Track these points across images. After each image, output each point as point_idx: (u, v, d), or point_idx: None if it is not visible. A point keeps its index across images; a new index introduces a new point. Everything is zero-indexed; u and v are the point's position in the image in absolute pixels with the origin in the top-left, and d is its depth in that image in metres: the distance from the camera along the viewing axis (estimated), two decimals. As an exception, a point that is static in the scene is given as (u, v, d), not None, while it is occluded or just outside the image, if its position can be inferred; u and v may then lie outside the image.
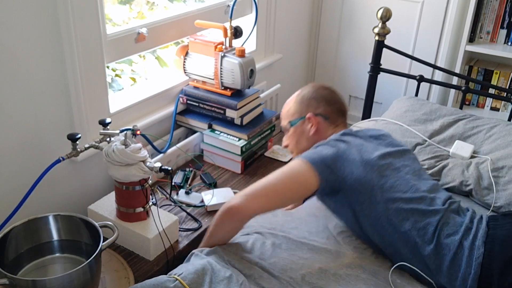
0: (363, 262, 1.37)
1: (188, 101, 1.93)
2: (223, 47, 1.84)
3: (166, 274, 1.37)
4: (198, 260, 1.29)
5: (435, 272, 1.27)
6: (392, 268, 1.33)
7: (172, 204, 1.65)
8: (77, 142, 1.36)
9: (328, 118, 1.55)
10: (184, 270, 1.24)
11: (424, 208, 1.30)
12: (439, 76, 2.54)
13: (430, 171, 1.72)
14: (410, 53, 2.46)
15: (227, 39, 1.85)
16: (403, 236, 1.29)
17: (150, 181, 1.44)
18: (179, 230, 1.52)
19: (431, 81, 2.26)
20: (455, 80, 2.48)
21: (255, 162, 1.94)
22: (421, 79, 2.14)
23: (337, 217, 1.49)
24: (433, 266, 1.26)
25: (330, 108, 1.56)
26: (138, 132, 1.40)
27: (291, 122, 1.58)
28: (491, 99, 2.56)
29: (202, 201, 1.66)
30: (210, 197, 1.65)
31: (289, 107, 1.62)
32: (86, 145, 1.39)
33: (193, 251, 1.33)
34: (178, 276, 1.22)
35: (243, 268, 1.29)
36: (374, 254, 1.40)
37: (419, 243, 1.27)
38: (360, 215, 1.36)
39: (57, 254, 1.31)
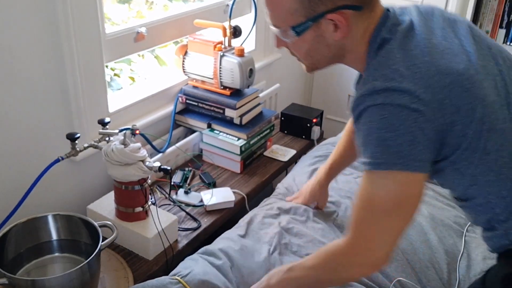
0: None
1: (187, 101, 1.93)
2: (222, 46, 1.84)
3: (165, 273, 1.37)
4: (202, 265, 1.29)
5: None
6: None
7: (171, 203, 1.65)
8: (76, 141, 1.36)
9: (361, 7, 0.99)
10: (187, 272, 1.25)
11: None
12: (438, 75, 2.54)
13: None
14: (409, 52, 2.46)
15: (226, 38, 1.85)
16: None
17: (149, 181, 1.43)
18: (178, 230, 1.52)
19: (430, 81, 2.26)
20: (454, 80, 2.48)
21: (255, 162, 1.94)
22: (420, 78, 2.14)
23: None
24: None
25: None
26: (137, 132, 1.40)
27: (295, 28, 1.00)
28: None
29: (201, 200, 1.66)
30: (209, 196, 1.65)
31: None
32: (85, 145, 1.39)
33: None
34: (181, 278, 1.22)
35: None
36: None
37: None
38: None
39: (57, 254, 1.31)
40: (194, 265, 1.29)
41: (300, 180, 1.74)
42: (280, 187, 1.74)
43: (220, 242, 1.40)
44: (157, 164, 1.38)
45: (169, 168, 1.37)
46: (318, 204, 1.60)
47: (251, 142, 1.87)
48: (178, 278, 1.23)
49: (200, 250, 1.38)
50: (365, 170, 0.97)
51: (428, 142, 0.93)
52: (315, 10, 0.97)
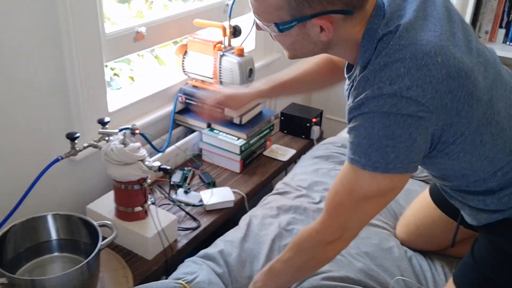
0: None
1: (187, 100, 1.93)
2: (222, 46, 1.84)
3: (165, 273, 1.37)
4: (206, 272, 1.29)
5: None
6: None
7: (171, 203, 1.64)
8: (76, 141, 1.36)
9: (351, 11, 0.93)
10: (192, 278, 1.24)
11: None
12: (437, 75, 2.54)
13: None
14: (409, 52, 2.46)
15: (226, 38, 1.85)
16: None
17: (149, 180, 1.43)
18: (178, 230, 1.52)
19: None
20: (454, 80, 2.48)
21: (254, 161, 1.94)
22: (420, 78, 2.14)
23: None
24: None
25: None
26: (137, 131, 1.40)
27: (279, 26, 0.96)
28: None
29: (201, 200, 1.66)
30: (209, 196, 1.65)
31: None
32: (85, 144, 1.39)
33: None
34: (185, 283, 1.22)
35: None
36: None
37: None
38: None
39: (56, 253, 1.31)
40: (198, 271, 1.29)
41: (299, 179, 1.74)
42: (279, 185, 1.74)
43: (220, 246, 1.40)
44: (157, 163, 1.38)
45: (168, 167, 1.37)
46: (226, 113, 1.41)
47: (251, 142, 1.87)
48: (183, 283, 1.23)
49: (200, 254, 1.38)
50: (355, 166, 0.97)
51: (424, 144, 0.95)
52: (301, 11, 0.92)
